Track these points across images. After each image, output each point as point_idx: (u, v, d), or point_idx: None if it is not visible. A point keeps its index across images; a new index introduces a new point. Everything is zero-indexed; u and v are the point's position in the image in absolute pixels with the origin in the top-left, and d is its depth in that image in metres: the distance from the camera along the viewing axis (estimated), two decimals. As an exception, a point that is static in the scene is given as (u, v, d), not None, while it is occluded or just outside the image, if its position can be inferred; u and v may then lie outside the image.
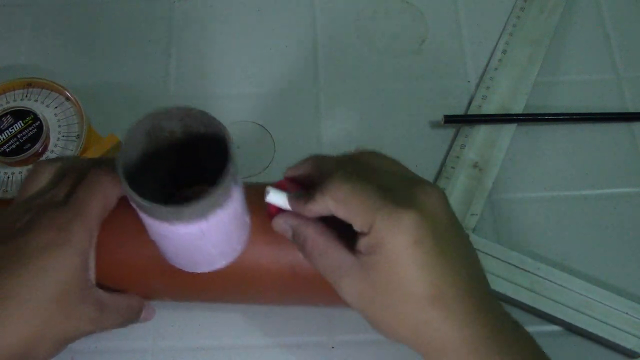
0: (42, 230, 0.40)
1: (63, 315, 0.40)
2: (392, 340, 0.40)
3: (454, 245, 0.39)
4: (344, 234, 0.40)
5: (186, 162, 0.42)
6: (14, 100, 0.56)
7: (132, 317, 0.46)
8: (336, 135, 0.60)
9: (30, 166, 0.54)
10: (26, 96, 0.56)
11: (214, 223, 0.38)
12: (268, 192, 0.41)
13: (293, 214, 0.41)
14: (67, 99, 0.56)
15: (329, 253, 0.40)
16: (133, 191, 0.35)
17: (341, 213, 0.39)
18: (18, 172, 0.54)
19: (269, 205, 0.42)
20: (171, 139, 0.40)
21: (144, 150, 0.40)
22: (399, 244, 0.37)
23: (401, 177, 0.41)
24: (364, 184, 0.38)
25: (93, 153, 0.54)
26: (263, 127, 0.60)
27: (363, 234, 0.38)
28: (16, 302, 0.39)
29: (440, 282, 0.38)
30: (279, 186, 0.42)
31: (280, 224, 0.42)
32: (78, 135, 0.55)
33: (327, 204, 0.39)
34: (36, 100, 0.56)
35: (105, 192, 0.42)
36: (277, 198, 0.41)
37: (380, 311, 0.39)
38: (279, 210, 0.42)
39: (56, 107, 0.56)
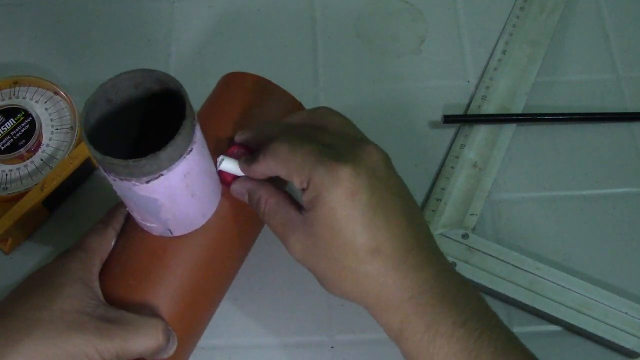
0: (52, 263, 0.45)
1: (69, 328, 0.40)
2: (339, 297, 0.41)
3: (393, 201, 0.40)
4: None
5: (152, 131, 0.44)
6: (2, 100, 0.56)
7: (155, 334, 0.42)
8: (336, 135, 0.60)
9: (26, 162, 0.54)
10: (14, 94, 0.57)
11: (164, 182, 0.39)
12: (221, 161, 0.44)
13: (248, 178, 0.44)
14: (56, 93, 0.57)
15: (278, 211, 0.42)
16: (91, 145, 0.37)
17: (282, 172, 0.41)
18: (16, 169, 0.54)
19: (222, 172, 0.45)
20: (132, 101, 0.42)
21: (111, 118, 0.41)
22: (335, 196, 0.38)
23: (345, 136, 0.42)
24: (302, 143, 0.40)
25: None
26: (263, 127, 0.60)
27: (304, 190, 0.40)
28: (22, 321, 0.40)
29: (377, 235, 0.39)
30: (231, 152, 0.45)
31: (237, 188, 0.45)
32: (71, 127, 0.56)
33: (268, 164, 0.41)
34: (24, 98, 0.57)
35: (101, 234, 0.46)
36: (229, 165, 0.44)
37: (324, 265, 0.40)
38: (233, 177, 0.45)
39: (46, 102, 0.57)
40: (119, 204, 0.47)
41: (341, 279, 0.40)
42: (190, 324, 0.46)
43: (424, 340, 0.39)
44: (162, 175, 0.39)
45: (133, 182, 0.39)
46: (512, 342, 0.41)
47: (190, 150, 0.39)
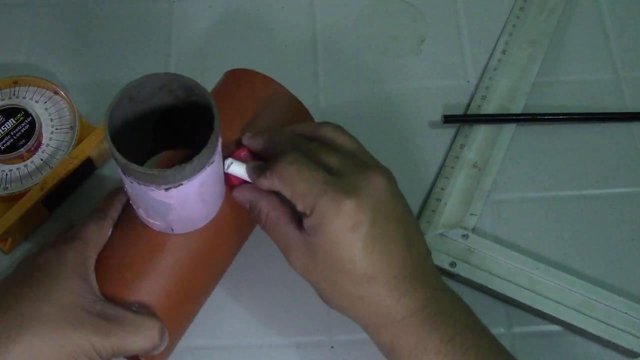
0: (46, 252, 0.44)
1: (68, 324, 0.40)
2: (335, 310, 0.43)
3: (393, 230, 0.41)
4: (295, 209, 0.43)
5: (167, 127, 0.44)
6: (2, 100, 0.56)
7: (152, 335, 0.43)
8: (336, 135, 0.60)
9: (26, 162, 0.54)
10: (14, 94, 0.57)
11: (182, 190, 0.40)
12: (230, 165, 0.44)
13: (250, 187, 0.45)
14: (56, 93, 0.57)
15: (279, 228, 0.43)
16: (115, 148, 0.38)
17: (287, 194, 0.41)
18: (16, 169, 0.54)
19: (229, 175, 0.45)
20: (157, 103, 0.42)
21: (130, 115, 0.41)
22: (337, 228, 0.40)
23: (352, 161, 0.43)
24: (310, 168, 0.41)
25: (89, 142, 0.55)
26: (263, 127, 0.60)
27: (305, 215, 0.41)
28: (21, 315, 0.40)
29: (375, 264, 0.40)
30: (238, 155, 0.45)
31: (238, 197, 0.45)
32: (71, 126, 0.56)
33: (274, 183, 0.42)
34: (24, 98, 0.57)
35: (100, 224, 0.45)
36: (237, 169, 0.44)
37: (323, 283, 0.42)
38: (239, 180, 0.45)
39: (46, 102, 0.57)
40: (118, 191, 0.47)
41: (338, 298, 0.42)
42: (181, 320, 0.47)
43: (412, 356, 0.40)
44: (181, 184, 0.39)
45: (152, 187, 0.39)
46: (499, 356, 0.42)
47: (212, 162, 0.40)
